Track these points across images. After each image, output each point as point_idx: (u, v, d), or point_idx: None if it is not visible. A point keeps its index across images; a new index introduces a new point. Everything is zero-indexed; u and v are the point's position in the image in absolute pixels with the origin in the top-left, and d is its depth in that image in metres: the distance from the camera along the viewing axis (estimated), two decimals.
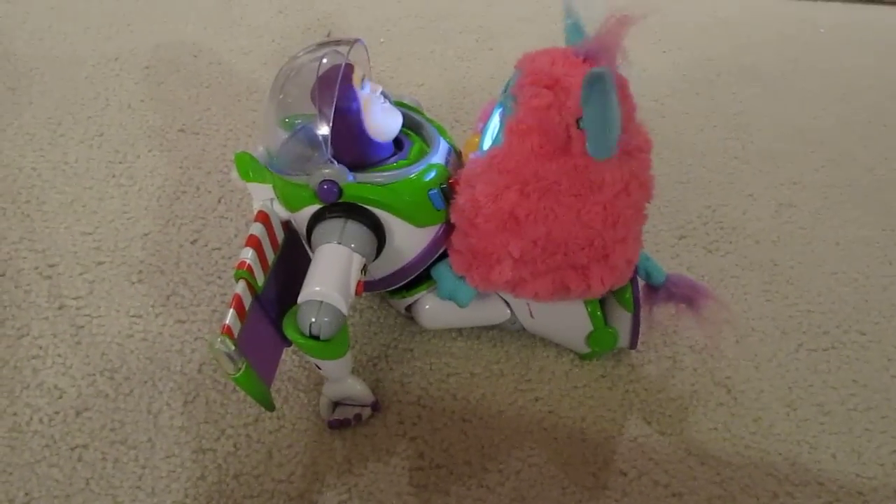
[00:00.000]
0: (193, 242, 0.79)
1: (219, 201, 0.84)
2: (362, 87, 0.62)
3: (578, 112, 0.57)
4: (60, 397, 0.66)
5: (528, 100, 0.59)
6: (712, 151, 1.02)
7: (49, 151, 0.89)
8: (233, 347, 0.54)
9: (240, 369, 0.55)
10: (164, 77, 1.01)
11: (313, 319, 0.57)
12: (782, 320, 0.79)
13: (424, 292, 0.68)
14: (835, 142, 1.05)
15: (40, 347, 0.70)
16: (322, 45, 0.65)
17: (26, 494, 0.60)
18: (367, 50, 0.65)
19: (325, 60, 0.63)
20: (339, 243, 0.59)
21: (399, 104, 0.67)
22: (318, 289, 0.57)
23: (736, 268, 0.85)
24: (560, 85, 0.58)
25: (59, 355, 0.69)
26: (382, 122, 0.63)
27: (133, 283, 0.75)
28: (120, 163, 0.88)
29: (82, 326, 0.71)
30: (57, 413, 0.65)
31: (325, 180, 0.59)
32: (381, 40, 1.15)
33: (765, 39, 1.27)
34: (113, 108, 0.95)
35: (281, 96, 0.64)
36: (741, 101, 1.12)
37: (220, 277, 0.76)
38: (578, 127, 0.57)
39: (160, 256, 0.78)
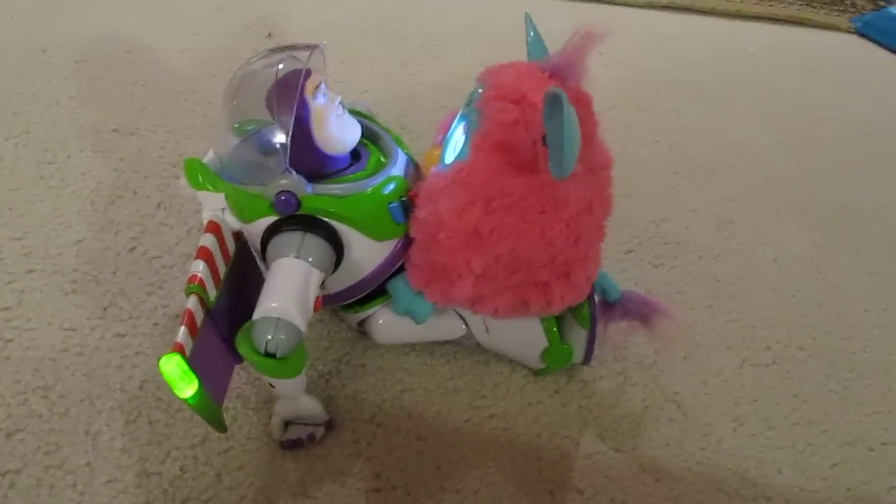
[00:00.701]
0: (132, 250, 0.75)
1: (158, 206, 0.80)
2: (316, 97, 0.59)
3: (544, 129, 0.56)
4: None
5: (494, 114, 0.58)
6: (655, 166, 1.03)
7: None
8: (186, 366, 0.51)
9: (192, 390, 0.52)
10: (96, 73, 0.96)
11: (269, 337, 0.54)
12: (726, 335, 0.81)
13: (379, 307, 0.67)
14: (770, 160, 1.08)
15: None
16: (276, 50, 0.63)
17: None
18: (324, 57, 0.63)
19: (281, 66, 0.60)
20: (297, 257, 0.57)
21: (353, 112, 0.65)
22: (275, 304, 0.55)
23: (681, 283, 0.86)
24: (527, 100, 0.58)
25: None
26: (338, 133, 0.61)
27: (66, 293, 0.70)
28: (49, 163, 0.82)
29: (11, 340, 0.66)
30: None
31: (282, 191, 0.57)
32: (324, 42, 1.12)
33: (700, 58, 1.30)
34: (41, 104, 0.89)
35: (235, 102, 0.62)
36: (681, 117, 1.14)
37: (160, 288, 0.72)
38: (544, 143, 0.56)
39: (95, 265, 0.73)
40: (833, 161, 1.10)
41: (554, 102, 0.52)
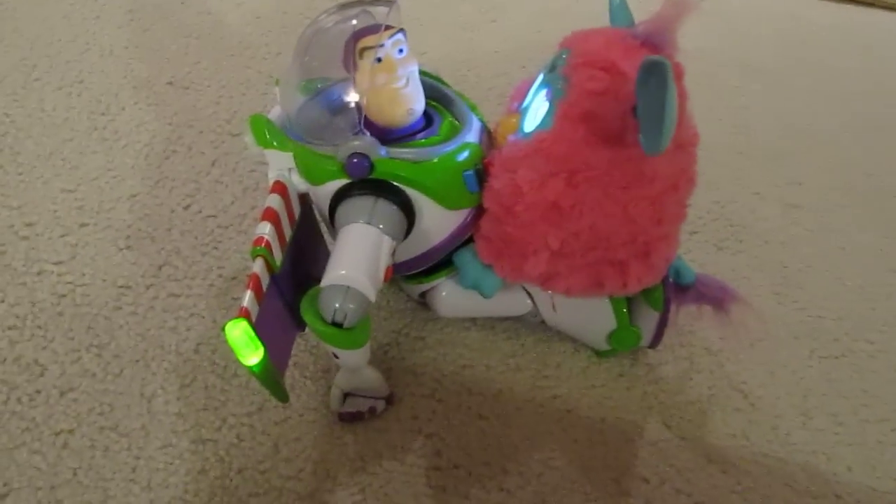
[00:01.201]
0: (186, 208, 0.73)
1: (213, 164, 0.77)
2: (363, 59, 0.55)
3: (635, 100, 0.52)
4: (42, 375, 0.59)
5: (582, 82, 0.54)
6: (718, 145, 0.99)
7: (24, 97, 0.80)
8: (252, 333, 0.49)
9: (257, 358, 0.50)
10: (149, 24, 0.93)
11: (337, 305, 0.52)
12: (794, 325, 0.78)
13: (443, 279, 0.64)
14: (835, 144, 1.04)
15: (17, 317, 0.63)
16: (348, 5, 0.59)
17: (5, 485, 0.54)
18: (400, 14, 0.60)
19: (354, 22, 0.57)
20: (369, 223, 0.54)
21: (423, 73, 0.62)
22: (344, 272, 0.52)
23: (747, 268, 0.83)
24: (617, 68, 0.54)
25: (39, 327, 0.62)
26: (381, 105, 0.56)
27: (120, 249, 0.68)
28: (102, 114, 0.80)
29: (64, 295, 0.64)
30: (38, 392, 0.58)
31: (354, 153, 0.54)
32: None
33: (763, 34, 1.25)
34: (94, 54, 0.87)
35: (305, 58, 0.58)
36: (743, 95, 1.10)
37: (215, 248, 0.70)
38: (634, 116, 0.53)
39: (150, 221, 0.71)
40: None
41: (653, 72, 0.49)
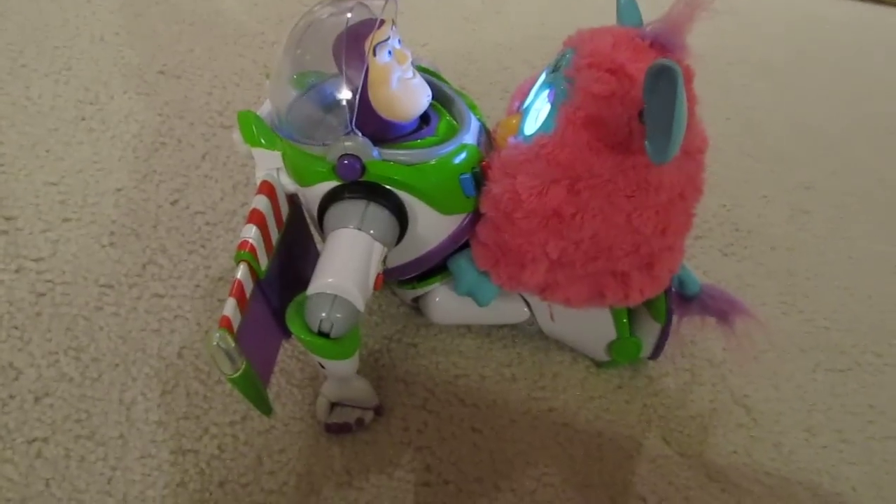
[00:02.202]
0: (174, 203, 0.70)
1: (203, 157, 0.75)
2: (379, 54, 0.52)
3: (642, 104, 0.50)
4: (16, 378, 0.57)
5: (588, 85, 0.52)
6: (727, 146, 0.97)
7: (8, 83, 0.77)
8: (233, 344, 0.46)
9: (238, 370, 0.47)
10: (142, 9, 0.90)
11: (324, 315, 0.49)
12: (799, 336, 0.75)
13: (437, 284, 0.61)
14: (845, 147, 1.02)
15: None
16: None
17: None
18: (397, 8, 0.57)
19: (350, 15, 0.54)
20: (359, 229, 0.52)
21: (421, 69, 0.59)
22: (331, 280, 0.49)
23: (752, 275, 0.80)
24: (624, 71, 0.51)
25: (16, 327, 0.59)
26: (399, 99, 0.53)
27: (104, 246, 0.66)
28: (91, 103, 0.77)
29: (43, 294, 0.61)
30: (12, 397, 0.56)
31: (346, 154, 0.51)
32: None
33: (774, 32, 1.22)
34: (84, 39, 0.84)
35: (298, 51, 0.55)
36: (753, 95, 1.07)
37: (203, 246, 0.67)
38: (640, 121, 0.50)
39: (135, 217, 0.68)
40: None
41: (662, 77, 0.46)
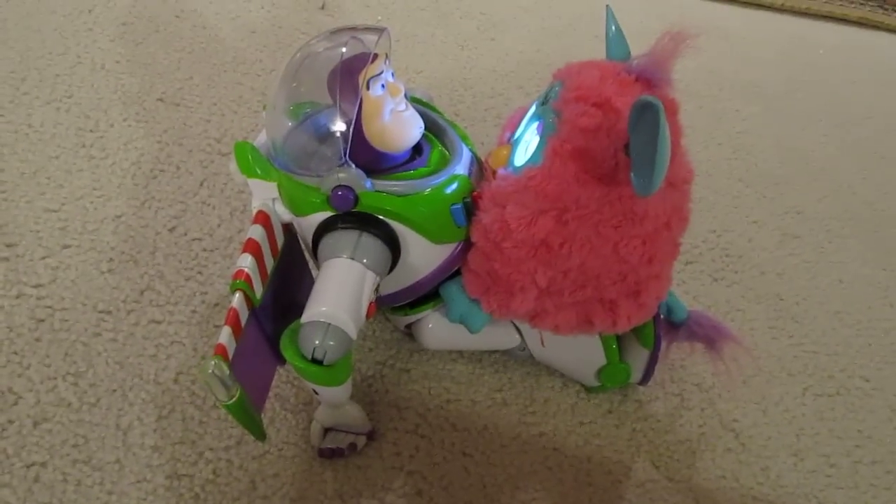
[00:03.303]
0: (172, 230, 0.71)
1: (201, 185, 0.76)
2: (372, 87, 0.54)
3: (627, 137, 0.51)
4: (15, 403, 0.58)
5: (575, 118, 0.53)
6: (717, 171, 0.98)
7: (10, 111, 0.78)
8: (227, 371, 0.47)
9: (233, 396, 0.48)
10: (142, 37, 0.92)
11: (317, 342, 0.50)
12: (788, 361, 0.76)
13: (430, 311, 0.63)
14: (835, 171, 1.03)
15: None
16: (339, 31, 0.58)
17: None
18: (390, 41, 0.58)
19: (344, 49, 0.56)
20: (352, 258, 0.53)
21: (414, 100, 0.61)
22: (324, 309, 0.51)
23: (742, 300, 0.81)
24: (610, 105, 0.53)
25: (15, 353, 0.60)
26: (391, 131, 0.55)
27: (103, 272, 0.67)
28: (91, 131, 0.78)
29: (43, 320, 0.63)
30: (11, 422, 0.57)
31: (339, 186, 0.53)
32: (379, 18, 1.07)
33: (765, 56, 1.24)
34: (85, 67, 0.85)
35: (293, 84, 0.57)
36: (744, 119, 1.09)
37: (200, 273, 0.69)
38: (626, 153, 0.52)
39: (134, 244, 0.70)
40: None
41: (645, 113, 0.47)
